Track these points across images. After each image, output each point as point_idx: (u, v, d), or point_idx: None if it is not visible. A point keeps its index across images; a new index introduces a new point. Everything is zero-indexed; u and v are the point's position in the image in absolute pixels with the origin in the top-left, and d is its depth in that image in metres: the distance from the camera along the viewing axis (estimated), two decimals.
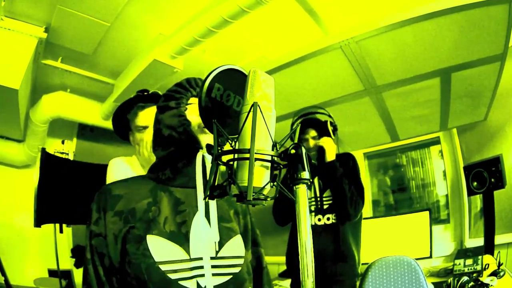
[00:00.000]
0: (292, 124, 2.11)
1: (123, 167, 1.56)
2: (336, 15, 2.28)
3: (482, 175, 2.62)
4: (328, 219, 1.93)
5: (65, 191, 2.67)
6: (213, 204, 0.86)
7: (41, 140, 3.46)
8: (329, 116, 2.06)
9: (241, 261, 0.86)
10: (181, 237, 0.79)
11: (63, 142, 3.18)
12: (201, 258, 0.79)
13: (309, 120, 2.06)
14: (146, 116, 1.49)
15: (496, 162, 2.54)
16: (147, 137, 1.46)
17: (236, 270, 0.83)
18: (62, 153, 3.01)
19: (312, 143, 2.01)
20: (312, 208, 1.98)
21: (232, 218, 0.92)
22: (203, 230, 0.82)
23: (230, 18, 2.04)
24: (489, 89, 2.66)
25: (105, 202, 0.81)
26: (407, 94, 2.77)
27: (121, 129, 1.58)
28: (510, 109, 2.88)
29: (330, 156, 1.93)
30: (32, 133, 3.38)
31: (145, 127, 1.49)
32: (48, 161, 2.72)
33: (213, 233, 0.83)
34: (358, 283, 1.93)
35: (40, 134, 3.38)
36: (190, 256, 0.78)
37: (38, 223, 2.52)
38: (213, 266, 0.80)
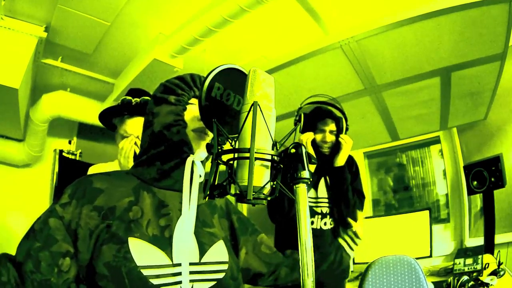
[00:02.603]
0: (299, 109, 1.82)
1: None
2: (336, 15, 2.28)
3: (482, 174, 2.62)
4: (329, 223, 1.83)
5: None
6: (193, 209, 0.83)
7: (41, 140, 3.46)
8: (343, 114, 1.87)
9: (225, 266, 0.83)
10: (164, 242, 0.77)
11: (70, 142, 3.17)
12: (181, 264, 0.77)
13: (329, 111, 1.88)
14: (133, 126, 1.47)
15: (496, 162, 2.54)
16: (127, 145, 1.43)
17: (220, 275, 0.81)
18: (69, 153, 2.99)
19: (329, 138, 1.85)
20: (318, 210, 1.84)
21: (215, 224, 0.90)
22: (186, 236, 0.80)
23: (230, 17, 2.04)
24: (489, 88, 2.66)
25: (83, 193, 0.76)
26: (407, 94, 2.77)
27: (109, 125, 1.58)
28: (510, 108, 2.88)
29: (342, 159, 1.80)
30: (32, 133, 3.37)
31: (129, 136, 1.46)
32: (61, 163, 2.73)
33: (192, 239, 0.81)
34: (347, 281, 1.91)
35: (40, 133, 3.37)
36: (172, 262, 0.76)
37: None
38: (195, 272, 0.78)
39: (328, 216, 1.84)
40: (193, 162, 0.83)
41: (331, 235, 1.83)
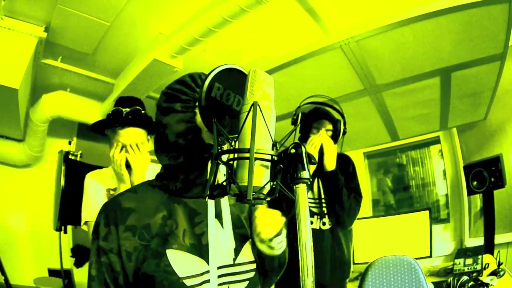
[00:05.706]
0: (298, 108, 1.86)
1: (94, 185, 1.59)
2: (336, 15, 2.28)
3: (482, 175, 2.62)
4: (328, 223, 1.82)
5: (77, 193, 2.67)
6: (226, 211, 0.84)
7: (41, 140, 3.46)
8: (343, 116, 1.88)
9: (254, 265, 0.85)
10: (202, 249, 0.78)
11: (69, 143, 3.16)
12: (216, 268, 0.78)
13: (326, 113, 1.88)
14: (126, 136, 1.49)
15: (496, 162, 2.54)
16: (116, 155, 1.47)
17: (251, 275, 0.83)
18: (69, 153, 2.98)
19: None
20: (316, 210, 1.83)
21: (244, 224, 0.90)
22: (221, 239, 0.81)
23: (230, 17, 2.04)
24: (489, 88, 2.66)
25: (115, 216, 0.77)
26: (407, 94, 2.77)
27: (103, 133, 1.61)
28: (510, 108, 2.89)
29: (331, 163, 1.78)
30: (32, 133, 3.37)
31: (123, 146, 1.49)
32: (67, 164, 2.74)
33: (229, 240, 0.82)
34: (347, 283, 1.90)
35: (40, 133, 3.37)
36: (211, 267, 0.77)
37: (60, 226, 2.55)
38: (229, 274, 0.80)
39: (327, 216, 1.84)
40: None
41: (330, 235, 1.81)
